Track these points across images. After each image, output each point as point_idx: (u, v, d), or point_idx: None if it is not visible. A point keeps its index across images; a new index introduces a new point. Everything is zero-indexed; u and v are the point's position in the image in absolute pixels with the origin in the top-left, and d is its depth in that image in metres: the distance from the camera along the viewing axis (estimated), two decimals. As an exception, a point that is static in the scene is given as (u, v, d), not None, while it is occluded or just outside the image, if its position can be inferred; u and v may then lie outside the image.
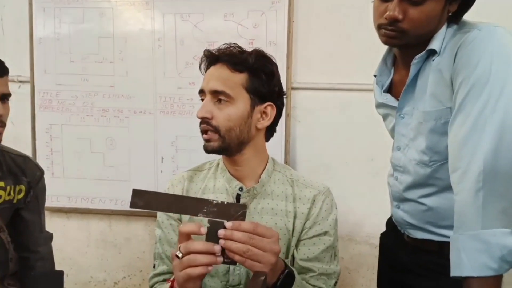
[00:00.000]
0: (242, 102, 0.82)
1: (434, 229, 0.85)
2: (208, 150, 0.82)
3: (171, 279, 0.73)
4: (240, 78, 0.82)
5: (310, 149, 1.59)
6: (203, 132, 0.81)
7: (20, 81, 1.70)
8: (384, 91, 0.92)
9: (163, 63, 1.61)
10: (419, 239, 0.88)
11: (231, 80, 0.81)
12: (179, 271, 0.63)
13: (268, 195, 0.85)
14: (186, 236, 0.64)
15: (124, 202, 1.68)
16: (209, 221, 0.62)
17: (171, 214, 0.86)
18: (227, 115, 0.81)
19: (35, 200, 1.06)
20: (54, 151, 1.69)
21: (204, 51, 0.86)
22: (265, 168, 0.86)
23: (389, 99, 0.90)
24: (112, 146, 1.67)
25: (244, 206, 0.63)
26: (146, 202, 0.61)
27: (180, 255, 0.62)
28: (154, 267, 0.88)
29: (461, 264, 0.64)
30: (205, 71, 0.85)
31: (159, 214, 0.89)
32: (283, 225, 0.83)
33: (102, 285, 1.77)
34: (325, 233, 0.84)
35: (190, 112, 1.62)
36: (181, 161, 1.63)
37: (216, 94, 0.81)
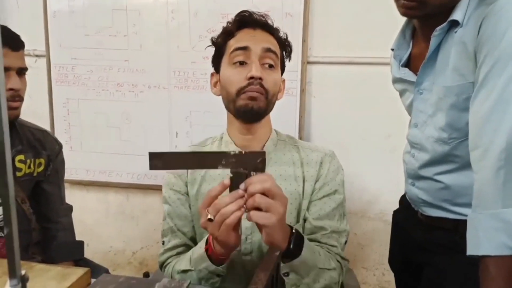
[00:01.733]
0: (278, 72, 0.86)
1: (449, 207, 0.84)
2: (253, 109, 0.80)
3: (205, 246, 0.74)
4: (278, 49, 0.86)
5: (325, 125, 1.57)
6: (253, 91, 0.79)
7: (36, 55, 1.71)
8: (402, 66, 0.88)
9: (176, 37, 1.59)
10: (434, 217, 0.87)
11: (276, 46, 0.85)
12: (218, 230, 0.64)
13: (275, 162, 0.86)
14: (212, 200, 0.65)
15: (140, 176, 1.71)
16: (231, 172, 0.62)
17: (178, 189, 0.87)
18: (274, 80, 0.83)
19: (55, 173, 1.09)
20: (71, 125, 1.72)
21: (239, 14, 0.86)
22: (269, 138, 0.88)
23: (407, 74, 0.86)
24: (128, 121, 1.69)
25: (263, 153, 0.63)
26: (164, 163, 0.61)
27: (211, 217, 0.63)
28: (163, 243, 0.88)
29: (479, 243, 0.63)
30: (232, 34, 0.85)
31: (164, 189, 0.89)
32: (293, 190, 0.85)
33: (121, 254, 1.85)
34: (335, 191, 0.86)
35: (204, 87, 1.61)
36: (195, 136, 1.64)
37: (265, 55, 0.82)
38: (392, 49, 0.91)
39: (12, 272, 0.35)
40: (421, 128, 0.85)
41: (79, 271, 0.65)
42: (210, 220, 0.63)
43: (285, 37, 0.89)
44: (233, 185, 0.63)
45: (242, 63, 0.82)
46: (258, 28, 0.85)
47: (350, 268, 1.10)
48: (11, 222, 0.35)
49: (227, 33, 0.86)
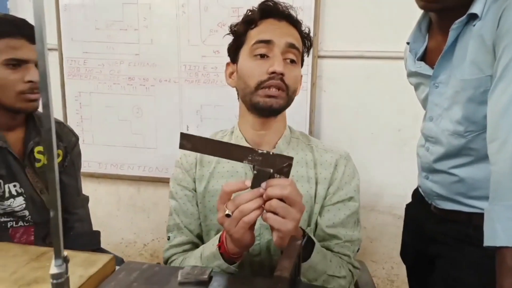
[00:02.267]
0: (300, 67, 0.84)
1: (463, 200, 0.84)
2: (273, 108, 0.78)
3: (218, 244, 0.73)
4: (301, 42, 0.83)
5: (335, 119, 1.58)
6: (274, 87, 0.77)
7: (48, 49, 1.72)
8: (418, 59, 0.88)
9: (187, 31, 1.60)
10: (447, 210, 0.87)
11: (300, 41, 0.82)
12: (234, 227, 0.63)
13: None
14: (228, 196, 0.64)
15: (151, 169, 1.73)
16: (255, 169, 0.62)
17: (186, 184, 0.85)
18: (295, 76, 0.81)
19: (72, 164, 1.11)
20: (84, 119, 1.74)
21: (263, 2, 0.81)
22: (282, 134, 0.85)
23: (423, 68, 0.86)
24: (139, 114, 1.70)
25: (290, 158, 0.62)
26: (193, 145, 0.62)
27: (230, 213, 0.62)
28: (168, 239, 0.86)
29: (495, 234, 0.64)
30: (254, 22, 0.81)
31: (172, 184, 0.87)
32: (305, 192, 0.81)
33: (132, 246, 1.88)
34: (350, 198, 0.82)
35: (214, 81, 1.62)
36: (206, 130, 1.65)
37: (288, 51, 0.78)
38: (408, 43, 0.91)
39: (57, 253, 0.37)
40: (436, 121, 0.86)
41: (105, 258, 0.67)
42: (227, 215, 0.62)
43: (307, 32, 0.86)
44: (255, 183, 0.62)
45: (263, 56, 0.78)
46: (283, 19, 0.81)
47: (361, 261, 1.11)
48: (56, 205, 0.37)
49: (249, 22, 0.81)
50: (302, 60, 0.87)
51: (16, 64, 0.91)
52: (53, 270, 0.36)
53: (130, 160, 1.74)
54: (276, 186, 0.61)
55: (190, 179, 0.85)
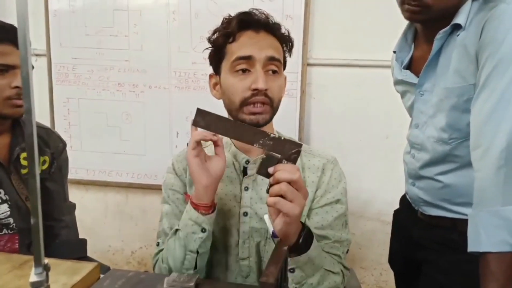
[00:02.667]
0: (282, 74, 0.83)
1: (448, 206, 0.86)
2: (260, 124, 0.78)
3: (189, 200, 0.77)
4: (282, 51, 0.83)
5: (324, 126, 1.59)
6: (258, 103, 0.77)
7: (37, 55, 1.71)
8: (404, 68, 0.90)
9: (177, 38, 1.60)
10: (433, 215, 0.89)
11: (280, 50, 0.82)
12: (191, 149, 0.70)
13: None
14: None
15: (140, 176, 1.72)
16: (265, 153, 0.63)
17: (177, 189, 0.86)
18: (279, 87, 0.81)
19: (59, 171, 1.09)
20: (71, 125, 1.72)
21: (240, 14, 0.80)
22: None
23: (408, 76, 0.88)
24: (128, 121, 1.69)
25: (300, 145, 0.63)
26: (207, 123, 0.63)
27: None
28: (158, 245, 0.85)
29: (479, 239, 0.65)
30: (232, 35, 0.79)
31: (164, 190, 0.88)
32: None
33: (120, 254, 1.85)
34: (337, 201, 0.84)
35: (204, 88, 1.62)
36: (195, 136, 1.65)
37: (269, 63, 0.78)
38: (394, 52, 0.93)
39: (37, 261, 0.37)
40: (421, 128, 0.87)
41: (89, 266, 0.66)
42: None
43: (287, 34, 0.84)
44: (262, 167, 0.63)
45: (244, 71, 0.78)
46: (261, 29, 0.80)
47: (350, 268, 1.11)
48: (37, 213, 0.36)
49: (227, 35, 0.80)
50: (285, 62, 0.85)
51: (4, 69, 0.90)
52: (33, 278, 0.36)
53: (118, 167, 1.72)
54: (286, 170, 0.63)
55: (182, 183, 0.86)
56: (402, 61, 0.91)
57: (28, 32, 0.35)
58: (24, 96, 0.34)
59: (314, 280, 0.73)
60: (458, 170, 0.83)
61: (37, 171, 0.36)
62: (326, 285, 0.75)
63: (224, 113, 0.87)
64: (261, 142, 0.62)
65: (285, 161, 0.63)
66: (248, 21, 0.80)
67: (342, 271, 0.81)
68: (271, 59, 0.78)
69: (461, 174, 0.82)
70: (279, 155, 0.63)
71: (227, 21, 0.82)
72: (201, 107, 0.67)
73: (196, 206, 0.74)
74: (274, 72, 0.80)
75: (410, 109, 0.92)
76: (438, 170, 0.85)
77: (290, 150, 0.63)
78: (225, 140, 0.86)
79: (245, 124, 0.65)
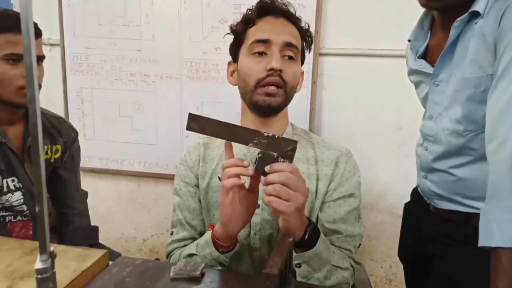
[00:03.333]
0: (299, 63, 0.84)
1: (462, 200, 0.84)
2: (271, 106, 0.79)
3: (211, 232, 0.76)
4: (300, 39, 0.83)
5: (335, 117, 1.57)
6: (272, 84, 0.78)
7: (51, 44, 1.73)
8: (419, 57, 0.87)
9: (188, 27, 1.60)
10: (446, 209, 0.87)
11: (298, 38, 0.82)
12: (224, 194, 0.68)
13: None
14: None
15: (151, 165, 1.74)
16: (260, 152, 0.63)
17: (189, 181, 0.87)
18: (294, 73, 0.81)
19: (71, 159, 1.11)
20: (85, 114, 1.75)
21: (261, 1, 0.82)
22: (284, 132, 0.86)
23: (423, 66, 0.86)
24: (140, 110, 1.71)
25: (295, 142, 0.63)
26: (200, 127, 0.63)
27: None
28: (172, 234, 0.88)
29: (491, 234, 0.63)
30: (252, 21, 0.82)
31: (176, 181, 0.89)
32: None
33: (132, 241, 1.89)
34: (350, 195, 0.83)
35: (215, 78, 1.61)
36: (206, 127, 1.66)
37: (286, 49, 0.79)
38: (409, 40, 0.90)
39: (43, 248, 0.37)
40: (436, 120, 0.85)
41: (98, 253, 0.68)
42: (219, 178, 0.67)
43: (306, 28, 0.86)
44: (259, 166, 0.64)
45: (261, 54, 0.79)
46: (281, 16, 0.82)
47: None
48: (42, 201, 0.37)
49: (247, 21, 0.83)
50: (303, 57, 0.87)
51: (16, 59, 0.91)
52: (38, 265, 0.36)
53: (130, 156, 1.74)
54: (279, 172, 0.63)
55: (193, 175, 0.87)
56: (417, 50, 0.88)
57: (31, 20, 0.35)
58: (27, 85, 0.34)
59: (321, 275, 0.73)
60: (473, 163, 0.80)
61: (42, 160, 0.36)
62: (334, 280, 0.75)
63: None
64: (256, 141, 0.62)
65: (281, 159, 0.63)
66: (269, 8, 0.82)
67: (352, 265, 0.80)
68: (288, 45, 0.79)
69: (475, 168, 0.80)
70: (275, 153, 0.63)
71: (250, 10, 0.84)
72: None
73: (218, 245, 0.74)
74: (290, 58, 0.80)
75: (424, 100, 0.90)
76: (452, 163, 0.83)
77: (286, 148, 0.63)
78: None
79: (239, 125, 0.65)
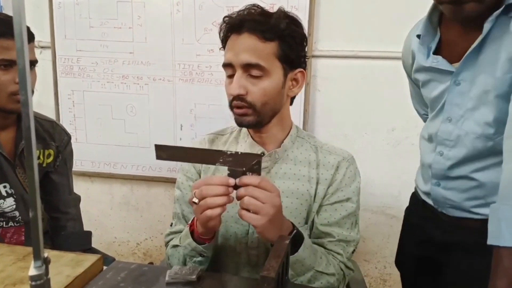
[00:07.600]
0: (276, 74, 0.77)
1: (477, 210, 0.80)
2: (243, 125, 0.79)
3: (190, 222, 0.78)
4: (272, 47, 0.75)
5: (329, 118, 1.58)
6: (236, 107, 0.78)
7: (41, 47, 1.71)
8: (433, 53, 0.81)
9: (181, 29, 1.59)
10: (459, 217, 0.83)
11: (263, 51, 0.75)
12: (200, 214, 0.67)
13: (290, 160, 0.85)
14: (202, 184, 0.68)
15: (145, 168, 1.72)
16: (228, 169, 0.66)
17: (190, 175, 0.88)
18: (263, 90, 0.76)
19: (64, 164, 1.10)
20: (77, 117, 1.73)
21: (224, 18, 0.79)
22: (288, 134, 0.86)
23: (440, 63, 0.78)
24: (133, 113, 1.69)
25: (259, 156, 0.66)
26: (169, 155, 0.66)
27: (196, 200, 0.66)
28: (171, 225, 0.90)
29: (500, 234, 0.61)
30: (226, 41, 0.79)
31: (179, 174, 0.91)
32: (305, 191, 0.82)
33: (125, 245, 1.87)
34: (348, 199, 0.83)
35: (208, 80, 1.61)
36: (199, 129, 1.65)
37: (248, 68, 0.75)
38: (418, 36, 0.83)
39: (37, 255, 0.37)
40: (457, 123, 0.79)
41: (92, 258, 0.67)
42: (194, 203, 0.67)
43: (284, 27, 0.76)
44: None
45: (231, 76, 0.78)
46: (244, 31, 0.76)
47: (353, 260, 1.11)
48: (36, 206, 0.36)
49: (222, 41, 0.82)
50: (289, 59, 0.79)
51: (8, 64, 0.90)
52: (32, 271, 0.36)
53: (123, 159, 1.73)
54: (242, 188, 0.65)
55: (195, 170, 0.89)
56: (428, 46, 0.82)
57: (24, 23, 0.35)
58: (20, 88, 0.34)
59: (304, 278, 0.74)
60: (497, 166, 0.74)
61: (35, 164, 0.35)
62: (318, 285, 0.76)
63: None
64: (221, 160, 0.65)
65: (249, 173, 0.66)
66: (231, 24, 0.78)
67: (342, 270, 0.80)
68: (247, 65, 0.75)
69: (498, 171, 0.72)
70: (242, 168, 0.65)
71: (220, 25, 0.81)
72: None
73: (197, 237, 0.75)
74: (254, 75, 0.76)
75: (436, 100, 0.83)
76: (475, 167, 0.79)
77: (251, 162, 0.65)
78: (243, 130, 0.89)
79: (203, 149, 0.70)
